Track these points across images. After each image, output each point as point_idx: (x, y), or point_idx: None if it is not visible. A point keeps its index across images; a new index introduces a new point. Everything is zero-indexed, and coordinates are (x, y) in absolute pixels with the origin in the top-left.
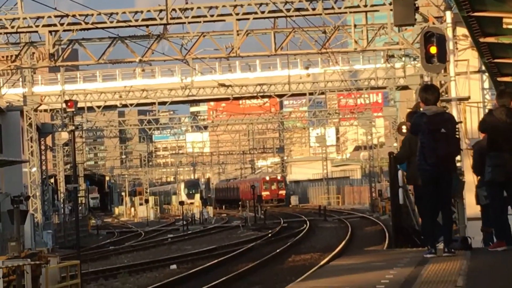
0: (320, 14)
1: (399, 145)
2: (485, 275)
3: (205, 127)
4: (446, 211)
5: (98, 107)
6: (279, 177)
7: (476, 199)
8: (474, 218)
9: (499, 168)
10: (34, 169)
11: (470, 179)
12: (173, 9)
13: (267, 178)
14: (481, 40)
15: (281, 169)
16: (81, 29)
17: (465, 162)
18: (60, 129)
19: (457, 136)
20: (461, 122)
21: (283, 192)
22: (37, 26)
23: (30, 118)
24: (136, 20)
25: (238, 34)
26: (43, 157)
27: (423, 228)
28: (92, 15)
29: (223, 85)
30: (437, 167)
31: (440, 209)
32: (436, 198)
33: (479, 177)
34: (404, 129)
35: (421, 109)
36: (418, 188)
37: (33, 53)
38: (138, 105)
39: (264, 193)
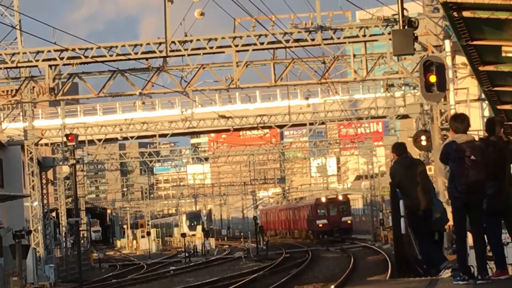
0: (319, 45)
1: None
2: None
3: (206, 159)
4: (477, 237)
5: (99, 140)
6: (340, 197)
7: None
8: None
9: (496, 196)
10: (35, 203)
11: None
12: (173, 42)
13: (323, 199)
14: (481, 68)
15: (283, 200)
16: (80, 63)
17: None
18: (61, 163)
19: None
20: None
21: (348, 218)
22: (37, 61)
23: (31, 153)
24: (136, 53)
25: (237, 66)
26: (45, 191)
27: (423, 254)
28: (92, 48)
29: (223, 116)
30: (467, 194)
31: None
32: (463, 225)
33: None
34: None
35: (451, 137)
36: (411, 215)
37: (33, 87)
38: (138, 137)
39: (320, 222)
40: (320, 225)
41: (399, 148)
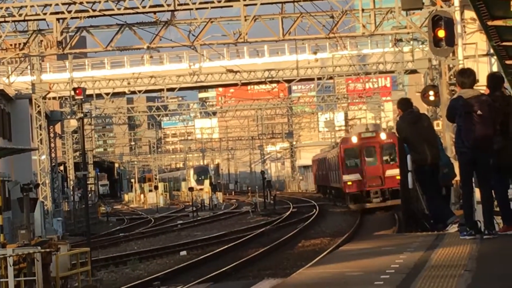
0: None
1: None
2: (496, 259)
3: (214, 113)
4: (484, 192)
5: (107, 94)
6: (383, 136)
7: None
8: None
9: (502, 152)
10: (43, 157)
11: None
12: None
13: (354, 139)
14: (489, 23)
15: (290, 154)
16: (88, 17)
17: None
18: (69, 117)
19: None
20: None
21: (394, 172)
22: (44, 14)
23: (38, 106)
24: (144, 7)
25: (245, 20)
26: (52, 145)
27: (430, 209)
28: (100, 2)
29: (231, 71)
30: (475, 149)
31: (480, 190)
32: (470, 180)
33: None
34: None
35: (458, 92)
36: (418, 170)
37: (41, 40)
38: (146, 91)
39: (348, 178)
40: (349, 183)
41: (404, 104)
